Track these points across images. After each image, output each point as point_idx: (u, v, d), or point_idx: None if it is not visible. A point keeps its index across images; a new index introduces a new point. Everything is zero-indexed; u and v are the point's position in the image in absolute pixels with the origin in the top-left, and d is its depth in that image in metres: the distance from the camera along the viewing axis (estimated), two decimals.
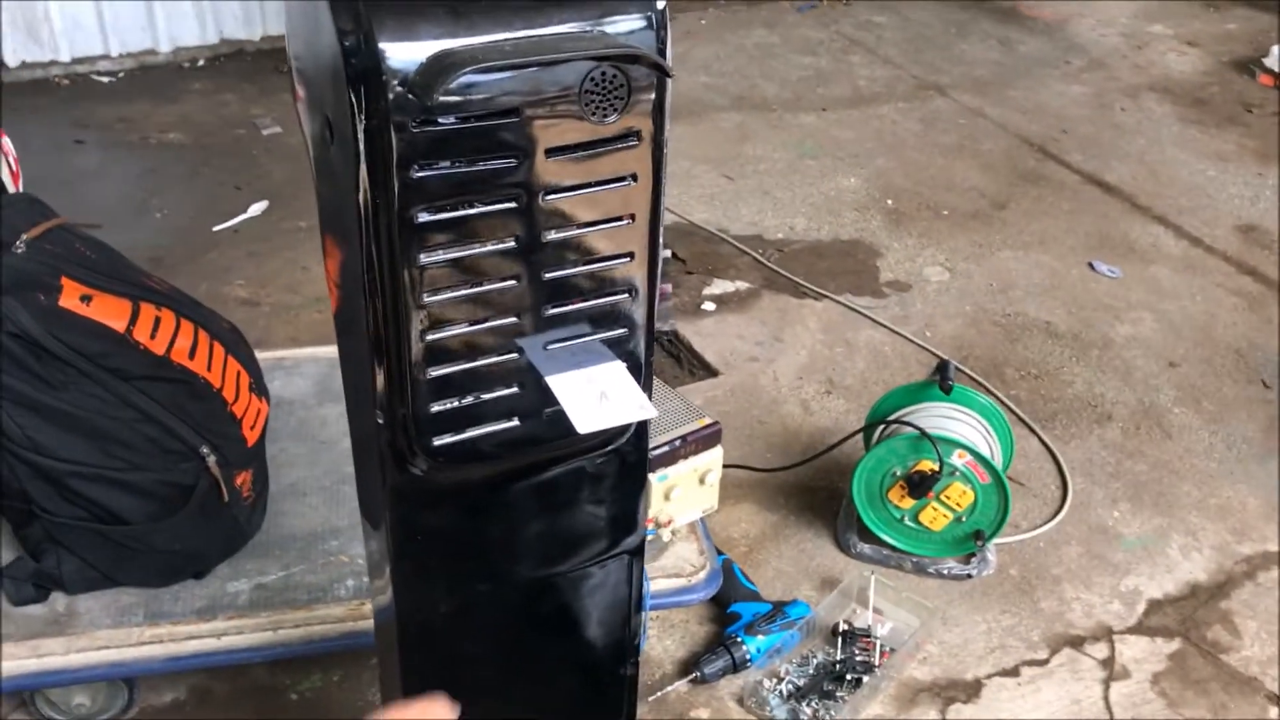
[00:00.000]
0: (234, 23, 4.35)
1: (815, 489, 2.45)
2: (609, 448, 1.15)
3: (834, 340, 2.94)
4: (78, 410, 1.69)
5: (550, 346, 1.05)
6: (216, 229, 3.32)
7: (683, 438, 1.91)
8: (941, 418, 2.22)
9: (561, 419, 1.04)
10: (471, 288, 1.00)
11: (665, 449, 1.88)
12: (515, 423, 1.08)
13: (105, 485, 1.74)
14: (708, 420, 1.95)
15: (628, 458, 1.18)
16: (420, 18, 0.90)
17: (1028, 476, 2.53)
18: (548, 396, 1.06)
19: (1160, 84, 4.45)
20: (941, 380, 2.25)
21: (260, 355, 2.29)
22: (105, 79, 4.22)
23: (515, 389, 1.07)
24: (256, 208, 3.43)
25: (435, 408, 1.04)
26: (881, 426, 2.27)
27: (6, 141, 2.08)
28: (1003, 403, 2.70)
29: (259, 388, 1.96)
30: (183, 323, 1.83)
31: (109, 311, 1.72)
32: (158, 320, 1.78)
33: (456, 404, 1.05)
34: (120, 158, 3.70)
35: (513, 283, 1.01)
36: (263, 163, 3.67)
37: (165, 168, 3.64)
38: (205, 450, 1.80)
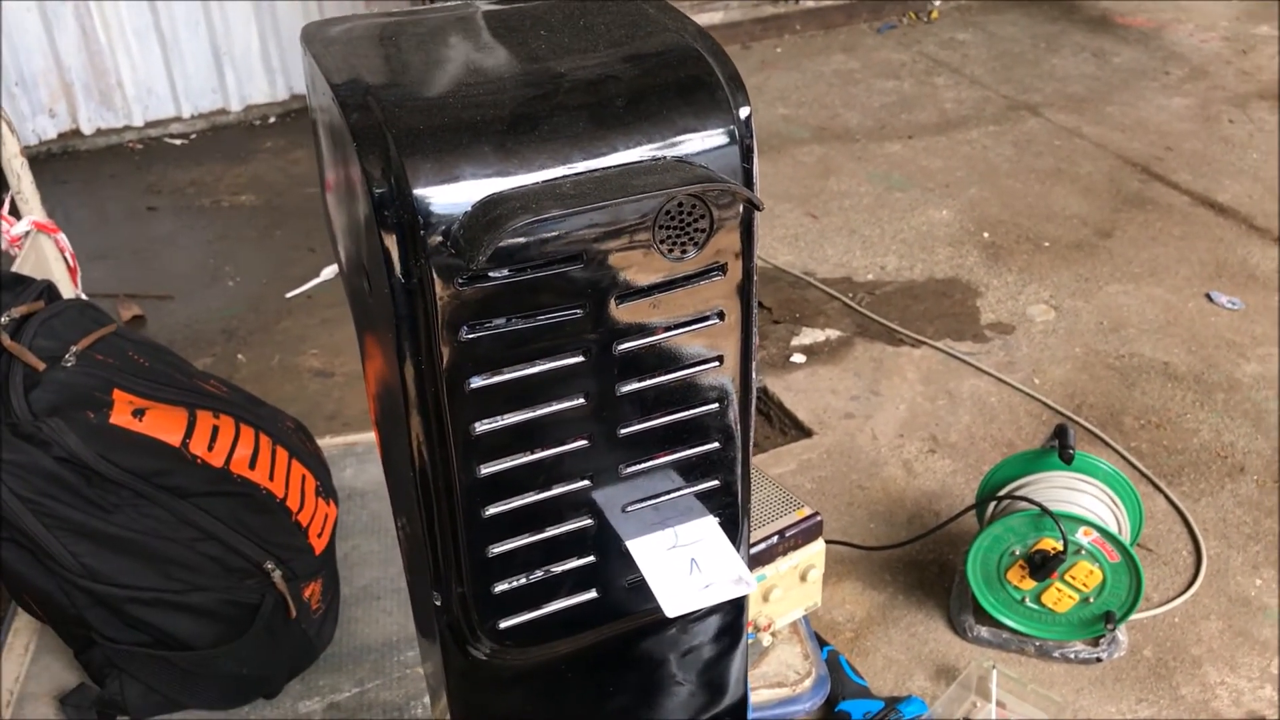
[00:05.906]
0: (303, 79, 4.30)
1: (924, 563, 2.27)
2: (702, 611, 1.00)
3: (935, 391, 2.76)
4: (133, 533, 1.59)
5: (630, 509, 0.91)
6: (289, 295, 3.24)
7: (780, 533, 1.75)
8: (1063, 489, 2.03)
9: (646, 585, 0.90)
10: (536, 452, 0.86)
11: (762, 546, 1.72)
12: (593, 594, 0.94)
13: (165, 609, 1.64)
14: (807, 511, 1.78)
15: (724, 615, 1.03)
16: (463, 156, 0.76)
17: (1155, 541, 2.32)
18: (628, 561, 0.91)
19: (1270, 91, 4.18)
20: (1060, 448, 2.05)
21: (330, 442, 2.18)
22: (178, 141, 4.20)
23: (591, 558, 0.92)
24: (329, 271, 3.34)
25: (500, 587, 0.90)
26: (995, 501, 2.09)
27: (62, 237, 2.00)
28: (1123, 457, 2.50)
29: (326, 490, 1.84)
30: (243, 429, 1.72)
31: (163, 425, 1.62)
32: (215, 429, 1.68)
33: (524, 581, 0.91)
34: (192, 223, 3.66)
35: (583, 443, 0.87)
36: None
37: (237, 231, 3.58)
38: (270, 565, 1.69)
